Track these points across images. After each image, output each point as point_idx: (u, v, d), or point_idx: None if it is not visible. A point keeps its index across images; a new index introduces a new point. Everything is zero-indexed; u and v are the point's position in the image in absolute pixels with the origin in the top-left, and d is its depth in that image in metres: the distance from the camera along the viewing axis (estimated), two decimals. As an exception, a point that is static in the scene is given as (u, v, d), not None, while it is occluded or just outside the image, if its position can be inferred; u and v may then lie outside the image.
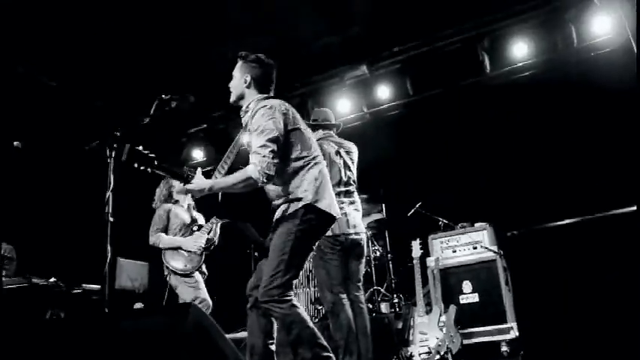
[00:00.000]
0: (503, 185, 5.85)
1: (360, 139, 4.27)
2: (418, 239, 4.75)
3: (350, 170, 3.82)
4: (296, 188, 2.66)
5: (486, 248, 4.68)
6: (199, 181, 2.68)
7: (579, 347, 3.80)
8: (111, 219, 3.14)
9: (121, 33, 5.51)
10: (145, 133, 3.04)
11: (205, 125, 7.35)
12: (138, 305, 5.29)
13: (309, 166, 2.72)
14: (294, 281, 2.59)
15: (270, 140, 2.58)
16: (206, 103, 6.60)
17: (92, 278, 4.49)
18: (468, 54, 6.09)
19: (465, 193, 5.91)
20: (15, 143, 3.56)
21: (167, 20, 5.47)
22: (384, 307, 5.31)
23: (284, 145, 2.67)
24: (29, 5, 4.97)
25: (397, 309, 5.18)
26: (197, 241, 4.40)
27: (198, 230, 4.49)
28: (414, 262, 4.61)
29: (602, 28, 5.54)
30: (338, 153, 3.79)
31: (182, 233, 4.48)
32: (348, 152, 3.88)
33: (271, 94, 2.88)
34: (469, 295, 4.67)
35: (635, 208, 4.02)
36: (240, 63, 2.88)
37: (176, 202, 4.63)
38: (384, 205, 5.82)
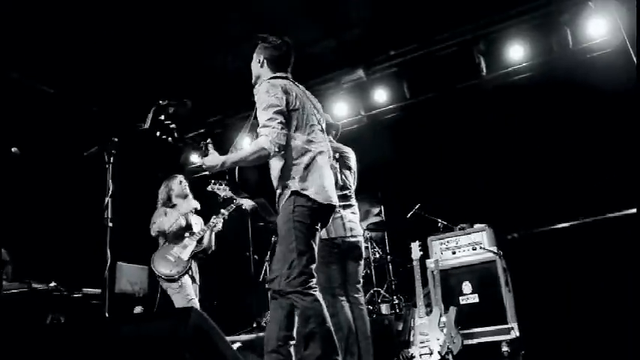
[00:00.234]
0: (500, 187, 5.87)
1: (358, 143, 4.29)
2: (417, 241, 4.75)
3: (346, 175, 3.84)
4: (288, 172, 2.68)
5: (486, 249, 4.70)
6: (213, 157, 2.73)
7: (580, 347, 3.82)
8: (110, 224, 3.16)
9: (118, 39, 5.52)
10: (143, 139, 3.06)
11: (203, 130, 7.37)
12: (138, 309, 5.30)
13: (304, 151, 2.71)
14: (313, 266, 2.58)
15: (277, 112, 2.64)
16: (203, 108, 6.62)
17: (92, 282, 4.48)
18: (464, 57, 6.12)
19: (463, 195, 5.93)
20: (13, 149, 3.57)
21: (164, 26, 5.49)
22: (384, 309, 5.32)
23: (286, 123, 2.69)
24: (26, 11, 4.98)
25: (397, 310, 5.19)
26: (186, 248, 4.46)
27: (189, 237, 4.52)
28: (414, 263, 4.61)
29: (597, 30, 5.58)
30: (334, 157, 3.80)
31: (174, 238, 4.51)
32: (344, 157, 3.90)
33: (286, 74, 2.90)
34: (469, 296, 4.68)
35: (634, 210, 4.03)
36: (258, 45, 2.95)
37: (174, 206, 4.64)
38: (382, 207, 5.84)
